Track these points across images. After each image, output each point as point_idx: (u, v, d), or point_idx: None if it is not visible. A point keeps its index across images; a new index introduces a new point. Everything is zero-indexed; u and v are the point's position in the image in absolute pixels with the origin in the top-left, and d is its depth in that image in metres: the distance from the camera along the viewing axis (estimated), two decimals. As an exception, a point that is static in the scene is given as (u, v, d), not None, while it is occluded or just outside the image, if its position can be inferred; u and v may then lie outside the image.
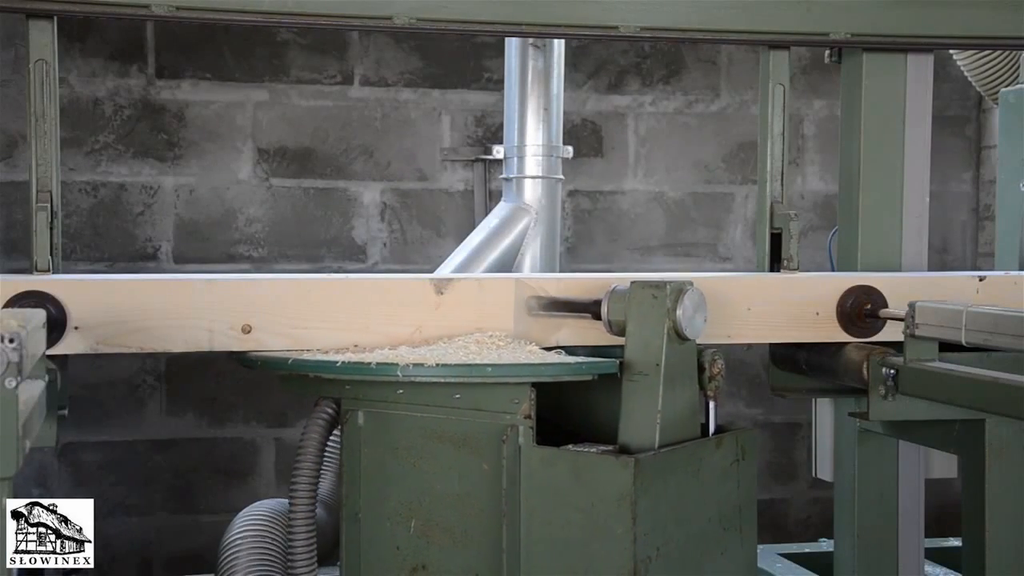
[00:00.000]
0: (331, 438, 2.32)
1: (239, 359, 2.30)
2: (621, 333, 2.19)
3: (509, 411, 2.10)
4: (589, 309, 2.28)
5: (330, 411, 2.24)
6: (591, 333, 2.34)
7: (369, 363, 2.12)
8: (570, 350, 2.32)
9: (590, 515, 2.03)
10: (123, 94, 4.69)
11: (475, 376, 2.10)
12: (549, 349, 2.30)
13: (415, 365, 2.09)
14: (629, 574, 2.00)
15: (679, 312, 2.13)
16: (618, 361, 2.17)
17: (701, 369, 2.23)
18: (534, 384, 2.11)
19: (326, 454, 2.38)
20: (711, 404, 2.25)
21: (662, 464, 2.07)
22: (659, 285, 2.15)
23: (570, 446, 2.11)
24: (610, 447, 2.10)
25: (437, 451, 2.17)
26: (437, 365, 2.08)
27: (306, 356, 2.22)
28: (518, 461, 2.09)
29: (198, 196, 4.77)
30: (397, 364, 2.09)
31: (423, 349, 2.23)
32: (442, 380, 2.10)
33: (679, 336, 2.14)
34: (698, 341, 2.21)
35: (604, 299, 2.23)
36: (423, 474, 2.18)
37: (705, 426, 2.26)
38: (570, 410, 2.27)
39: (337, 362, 2.15)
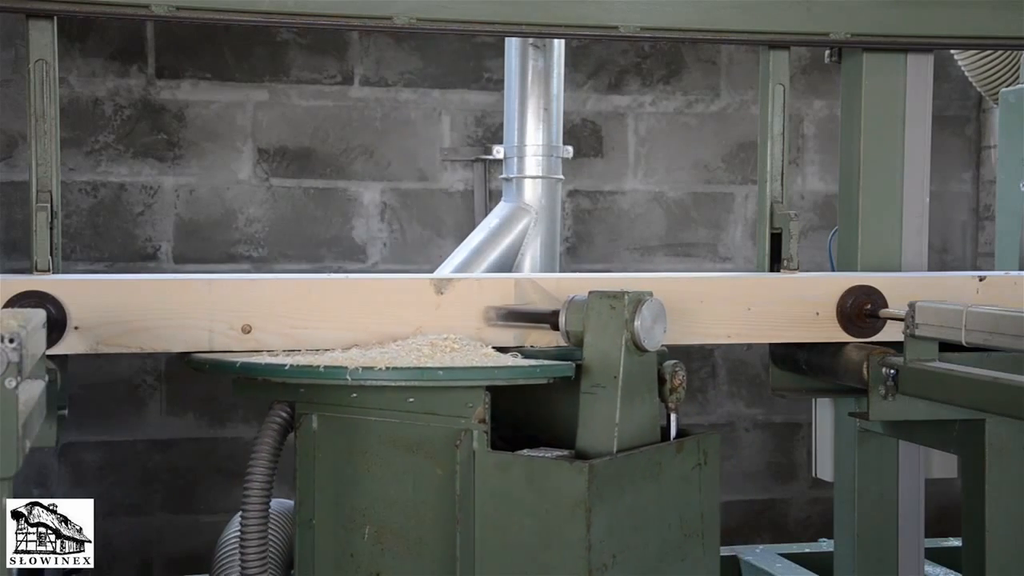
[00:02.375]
0: None
1: (188, 361, 2.25)
2: (579, 344, 2.13)
3: (463, 415, 2.06)
4: (548, 320, 2.24)
5: (284, 415, 2.19)
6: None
7: (318, 366, 2.07)
8: (541, 352, 2.28)
9: (544, 521, 1.98)
10: (123, 94, 4.69)
11: (426, 380, 2.03)
12: (505, 351, 2.26)
13: (364, 369, 2.03)
14: None
15: (637, 323, 2.07)
16: (575, 364, 2.12)
17: (662, 381, 2.17)
18: (488, 388, 2.06)
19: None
20: (672, 416, 2.19)
21: (619, 470, 2.03)
22: (617, 295, 2.09)
23: (525, 451, 2.06)
24: (568, 452, 2.06)
25: (391, 456, 2.12)
26: (387, 368, 2.02)
27: (255, 359, 2.17)
28: (472, 466, 2.04)
29: (198, 196, 4.77)
30: (346, 367, 2.04)
31: (375, 351, 2.18)
32: (392, 384, 2.03)
33: (637, 347, 2.08)
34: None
35: (562, 309, 2.19)
36: (377, 480, 2.14)
37: (667, 433, 2.21)
38: (532, 413, 2.23)
39: (286, 365, 2.09)
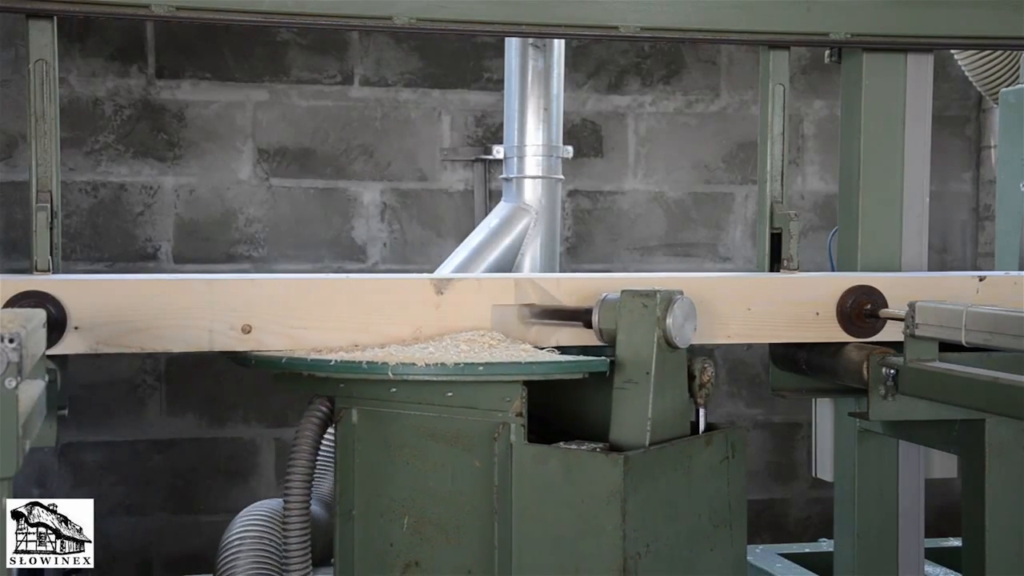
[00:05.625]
0: (332, 438, 2.32)
1: (235, 358, 2.30)
2: (612, 342, 2.19)
3: (501, 409, 2.11)
4: (581, 317, 2.28)
5: (324, 409, 2.24)
6: (588, 333, 2.34)
7: (361, 362, 2.13)
8: (565, 349, 2.32)
9: (580, 512, 2.04)
10: (123, 94, 4.69)
11: (467, 374, 2.10)
12: (541, 348, 2.30)
13: (406, 364, 2.10)
14: (619, 570, 2.01)
15: (669, 321, 2.13)
16: (609, 360, 2.18)
17: (691, 377, 2.23)
18: (525, 382, 2.11)
19: (328, 454, 2.38)
20: (701, 411, 2.25)
21: (652, 461, 2.08)
22: (649, 294, 2.15)
23: (561, 444, 2.12)
24: (601, 445, 2.11)
25: (430, 449, 2.17)
26: (429, 364, 2.09)
27: (300, 354, 2.22)
28: (510, 458, 2.09)
29: (198, 196, 4.77)
30: (388, 363, 2.10)
31: (415, 347, 2.23)
32: (434, 378, 2.11)
33: (669, 345, 2.14)
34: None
35: (595, 307, 2.24)
36: (416, 471, 2.18)
37: (696, 427, 2.26)
38: (564, 408, 2.28)
39: (331, 360, 2.16)
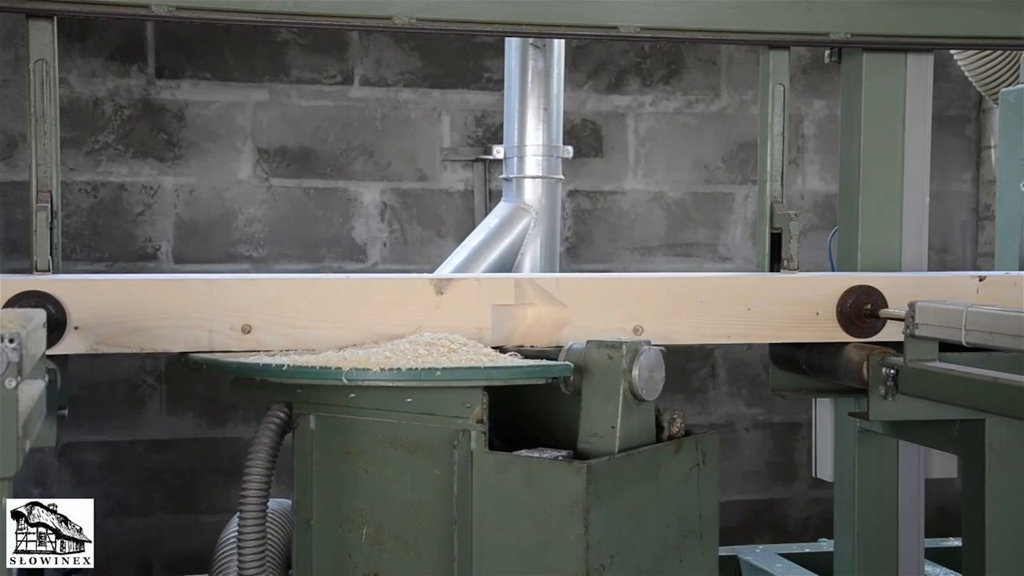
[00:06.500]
0: None
1: (186, 362, 2.26)
2: (577, 393, 2.13)
3: (461, 415, 2.05)
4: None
5: (282, 415, 2.19)
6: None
7: (314, 367, 2.06)
8: (540, 353, 2.28)
9: (542, 522, 1.98)
10: (123, 94, 4.69)
11: (424, 380, 2.03)
12: (505, 350, 2.26)
13: (360, 369, 2.02)
14: None
15: (635, 373, 2.06)
16: (572, 365, 2.12)
17: (660, 428, 2.17)
18: (486, 388, 2.06)
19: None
20: None
21: (617, 470, 2.03)
22: (615, 345, 2.09)
23: (523, 451, 2.06)
24: (567, 452, 2.06)
25: (389, 456, 2.12)
26: (384, 369, 2.02)
27: (252, 359, 2.17)
28: (470, 467, 2.04)
29: (198, 196, 4.77)
30: (342, 368, 2.03)
31: (372, 351, 2.17)
32: (389, 384, 2.02)
33: (636, 397, 2.08)
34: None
35: (560, 356, 2.18)
36: (375, 480, 2.14)
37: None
38: (534, 413, 2.23)
39: (283, 366, 2.09)
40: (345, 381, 2.03)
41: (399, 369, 2.03)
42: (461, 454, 2.06)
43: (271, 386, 2.15)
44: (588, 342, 2.13)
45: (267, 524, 2.60)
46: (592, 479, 1.95)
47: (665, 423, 2.18)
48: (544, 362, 2.16)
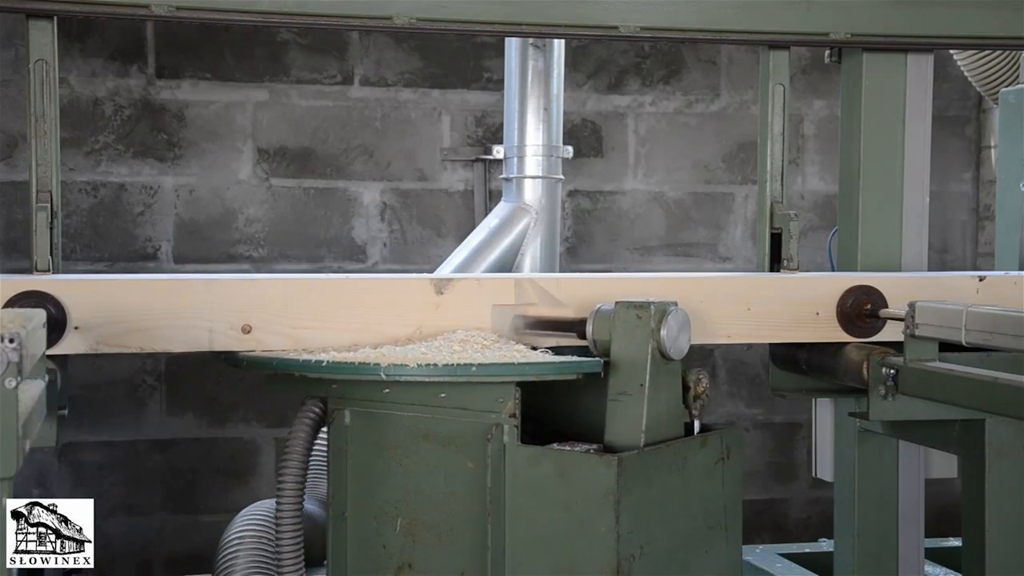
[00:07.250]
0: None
1: (226, 359, 2.29)
2: (606, 353, 2.19)
3: (494, 410, 2.10)
4: (575, 328, 2.28)
5: (317, 410, 2.23)
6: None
7: (353, 362, 2.12)
8: (561, 350, 2.31)
9: (574, 513, 2.03)
10: (123, 94, 4.69)
11: (459, 375, 2.09)
12: (535, 348, 2.29)
13: (398, 364, 2.08)
14: (613, 572, 2.00)
15: (663, 332, 2.13)
16: (603, 361, 2.17)
17: (686, 388, 2.23)
18: (519, 383, 2.10)
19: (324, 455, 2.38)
20: (696, 423, 2.25)
21: (646, 463, 2.08)
22: (643, 305, 2.15)
23: (554, 445, 2.11)
24: (595, 446, 2.10)
25: (423, 450, 2.16)
26: (421, 365, 2.08)
27: (292, 355, 2.21)
28: (503, 460, 2.09)
29: (198, 196, 4.77)
30: (380, 364, 2.09)
31: (409, 348, 2.22)
32: (426, 379, 2.10)
33: (663, 356, 2.14)
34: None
35: (589, 319, 2.24)
36: (409, 473, 2.18)
37: (690, 431, 2.25)
38: (559, 409, 2.27)
39: (323, 361, 2.14)
40: (384, 376, 2.08)
41: (435, 365, 2.08)
42: (494, 447, 2.10)
43: (308, 382, 2.20)
44: (617, 303, 2.19)
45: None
46: (623, 471, 2.00)
47: (691, 383, 2.23)
48: (575, 358, 2.20)
